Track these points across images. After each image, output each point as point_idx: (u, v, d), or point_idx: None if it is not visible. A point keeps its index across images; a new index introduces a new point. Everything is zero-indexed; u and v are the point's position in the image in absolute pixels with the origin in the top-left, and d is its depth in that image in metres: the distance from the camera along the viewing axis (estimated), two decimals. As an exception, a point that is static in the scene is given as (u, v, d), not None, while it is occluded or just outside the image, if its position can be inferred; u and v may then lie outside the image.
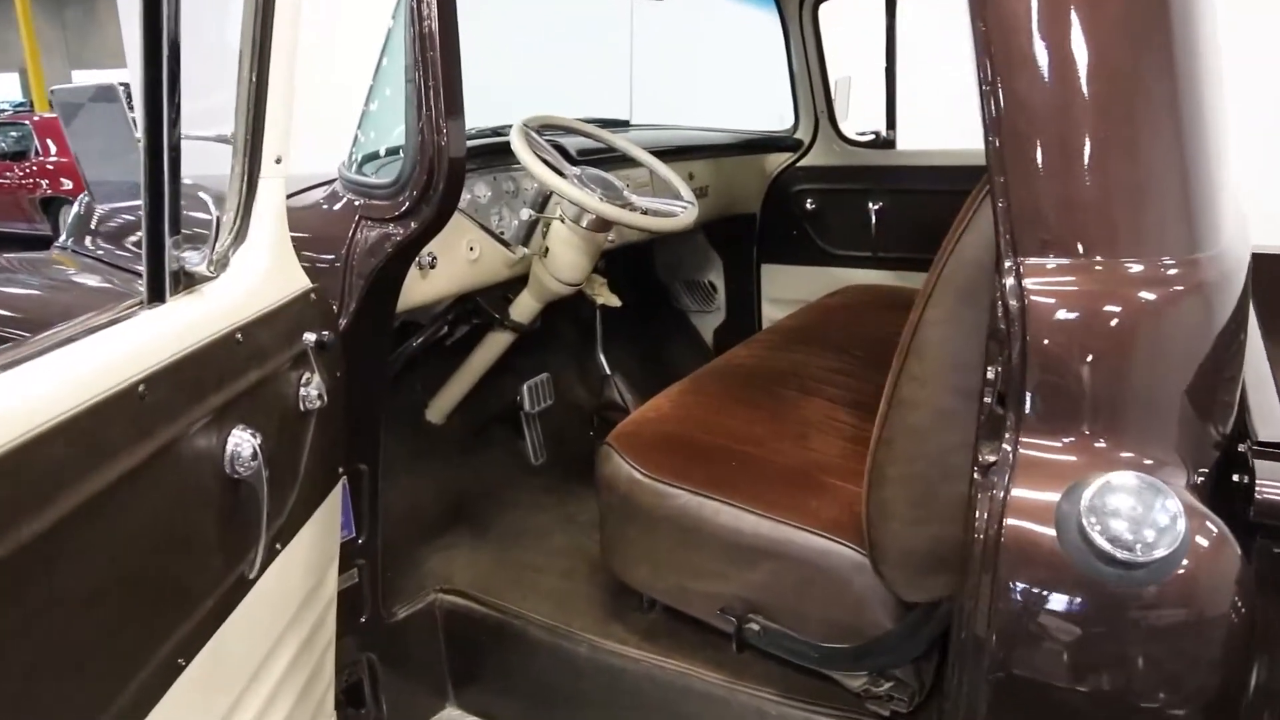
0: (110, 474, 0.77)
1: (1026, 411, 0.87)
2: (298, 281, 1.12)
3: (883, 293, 2.47)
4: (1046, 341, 0.85)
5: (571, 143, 2.03)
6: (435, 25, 1.22)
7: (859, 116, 2.74)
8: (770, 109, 2.78)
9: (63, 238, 1.94)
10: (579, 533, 1.92)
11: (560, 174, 1.68)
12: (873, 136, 2.61)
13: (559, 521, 2.00)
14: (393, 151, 1.55)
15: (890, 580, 1.20)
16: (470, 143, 1.55)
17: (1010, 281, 0.87)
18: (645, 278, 2.91)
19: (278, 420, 1.05)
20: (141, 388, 0.81)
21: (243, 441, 0.94)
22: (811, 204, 2.68)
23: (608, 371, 2.39)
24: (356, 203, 1.40)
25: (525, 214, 1.78)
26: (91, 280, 1.73)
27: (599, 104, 3.20)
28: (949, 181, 2.51)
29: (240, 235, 1.01)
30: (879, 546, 1.18)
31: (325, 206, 1.48)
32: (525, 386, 2.17)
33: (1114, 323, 0.84)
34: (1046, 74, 0.85)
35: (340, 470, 1.32)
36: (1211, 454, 0.88)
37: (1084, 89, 0.84)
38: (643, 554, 1.43)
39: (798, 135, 2.71)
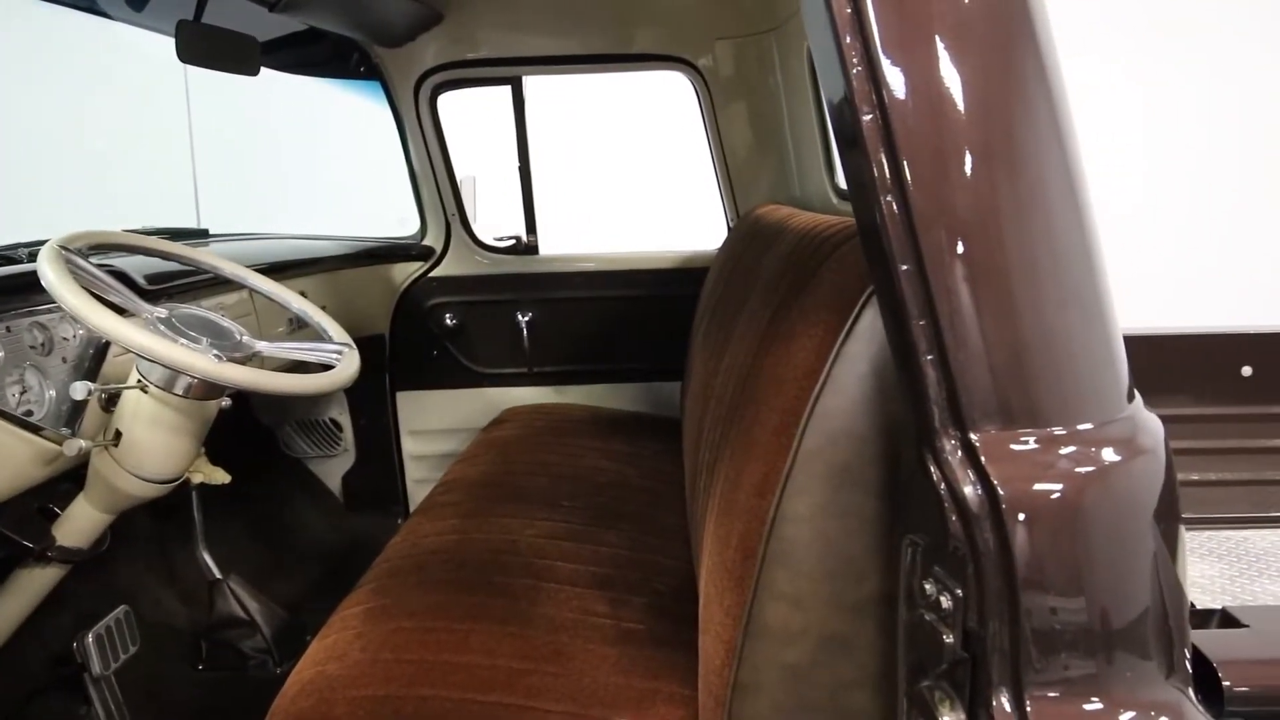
0: None
1: (1023, 658, 0.60)
2: None
3: (553, 414, 2.18)
4: (1036, 547, 0.60)
5: (135, 266, 1.41)
6: None
7: (481, 222, 2.45)
8: (388, 211, 2.35)
9: None
10: None
11: (129, 316, 1.09)
12: (513, 242, 2.33)
13: None
14: None
15: None
16: None
17: (955, 461, 0.61)
18: (242, 423, 2.24)
19: None
20: None
21: None
22: (451, 319, 2.31)
23: (217, 575, 1.70)
24: None
25: (80, 390, 1.12)
26: None
27: (152, 213, 2.47)
28: (602, 287, 2.35)
29: None
30: None
31: None
32: (90, 636, 1.40)
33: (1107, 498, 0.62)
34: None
35: None
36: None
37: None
38: None
39: (426, 242, 2.32)
